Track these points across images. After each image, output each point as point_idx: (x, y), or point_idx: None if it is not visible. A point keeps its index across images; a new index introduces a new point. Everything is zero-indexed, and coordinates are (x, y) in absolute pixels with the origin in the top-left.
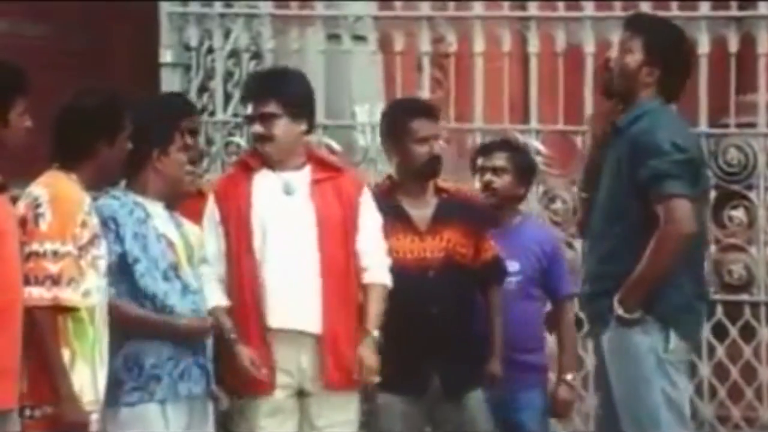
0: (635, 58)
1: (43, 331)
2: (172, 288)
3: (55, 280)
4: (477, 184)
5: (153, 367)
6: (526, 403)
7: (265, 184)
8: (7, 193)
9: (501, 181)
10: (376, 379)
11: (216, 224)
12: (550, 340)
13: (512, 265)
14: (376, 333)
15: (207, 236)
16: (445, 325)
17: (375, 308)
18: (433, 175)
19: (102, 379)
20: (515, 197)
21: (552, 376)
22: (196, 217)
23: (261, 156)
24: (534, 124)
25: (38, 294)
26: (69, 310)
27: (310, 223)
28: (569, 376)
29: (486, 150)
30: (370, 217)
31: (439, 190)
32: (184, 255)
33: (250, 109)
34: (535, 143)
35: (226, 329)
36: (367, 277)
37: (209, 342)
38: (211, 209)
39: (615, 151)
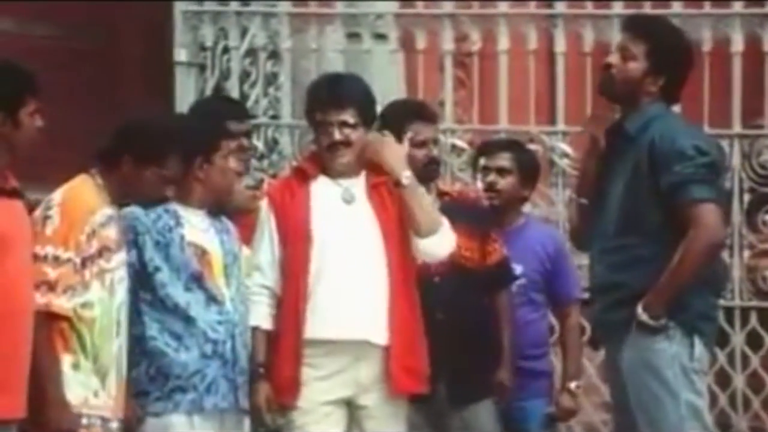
0: (639, 66)
1: (34, 337)
2: (194, 298)
3: (51, 286)
4: (479, 185)
5: (177, 378)
6: (532, 411)
7: (323, 192)
8: (21, 199)
9: (505, 182)
10: None
11: (271, 231)
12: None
13: (515, 269)
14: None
15: (261, 244)
16: (451, 332)
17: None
18: (431, 178)
19: (113, 389)
20: (519, 198)
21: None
22: (249, 231)
23: (319, 163)
24: (560, 125)
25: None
26: (63, 319)
27: (374, 231)
28: (573, 385)
29: (489, 149)
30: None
31: (441, 194)
32: (220, 265)
33: (321, 116)
34: (562, 145)
35: (256, 360)
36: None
37: (242, 355)
38: (266, 215)
39: (629, 159)
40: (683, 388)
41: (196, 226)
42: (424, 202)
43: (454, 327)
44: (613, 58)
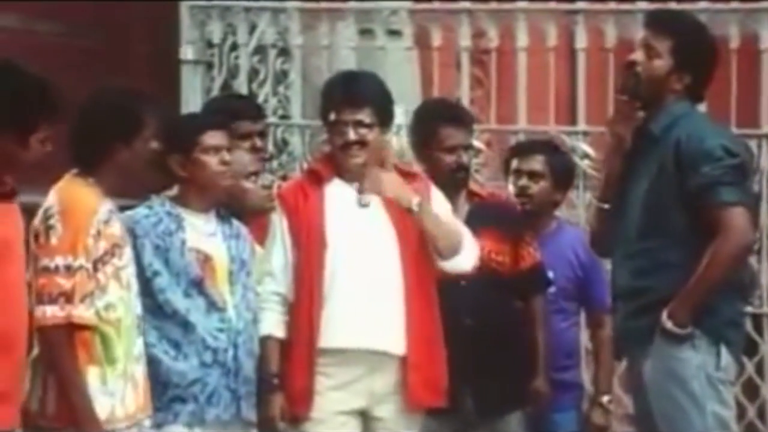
0: (663, 63)
1: (56, 351)
2: (194, 304)
3: (69, 298)
4: (510, 188)
5: (176, 387)
6: (561, 425)
7: (337, 195)
8: (15, 201)
9: (537, 187)
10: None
11: (283, 234)
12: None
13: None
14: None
15: (273, 248)
16: (479, 338)
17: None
18: (459, 186)
19: (131, 395)
20: (552, 203)
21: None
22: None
23: (332, 164)
24: (582, 125)
25: (51, 313)
26: (86, 328)
27: (390, 236)
28: (605, 399)
29: (522, 152)
30: (444, 208)
31: (471, 195)
32: (225, 271)
33: (336, 115)
34: (583, 146)
35: (269, 370)
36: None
37: (246, 364)
38: (279, 218)
39: (653, 160)
40: (709, 399)
41: (199, 230)
42: (440, 224)
43: (483, 333)
44: (638, 56)
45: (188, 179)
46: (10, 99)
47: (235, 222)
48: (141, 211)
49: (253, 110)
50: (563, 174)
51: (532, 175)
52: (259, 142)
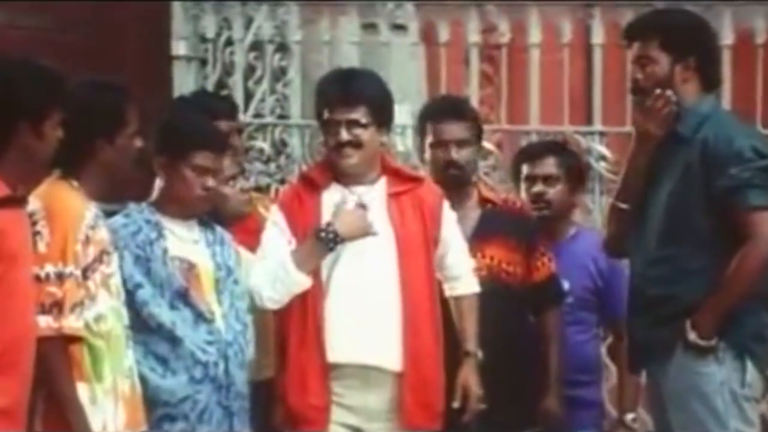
0: (661, 62)
1: (52, 365)
2: (180, 317)
3: (61, 307)
4: (524, 195)
5: (165, 405)
6: None
7: (335, 201)
8: (24, 208)
9: (554, 191)
10: (482, 406)
11: (282, 230)
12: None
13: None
14: (479, 353)
15: (269, 241)
16: (487, 350)
17: (472, 323)
18: (454, 186)
19: (122, 412)
20: (569, 206)
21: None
22: (252, 237)
23: (329, 170)
24: (598, 125)
25: (45, 323)
26: (75, 340)
27: (388, 244)
28: (629, 417)
29: (532, 156)
30: (453, 227)
31: (483, 200)
32: (211, 279)
33: (329, 114)
34: (600, 147)
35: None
36: (459, 289)
37: (238, 377)
38: (276, 216)
39: (679, 161)
40: (733, 416)
41: (181, 238)
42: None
43: (491, 347)
44: (634, 74)
45: (166, 185)
46: (19, 89)
47: (218, 228)
48: (118, 219)
49: (229, 108)
50: (577, 174)
51: (547, 179)
52: (236, 142)
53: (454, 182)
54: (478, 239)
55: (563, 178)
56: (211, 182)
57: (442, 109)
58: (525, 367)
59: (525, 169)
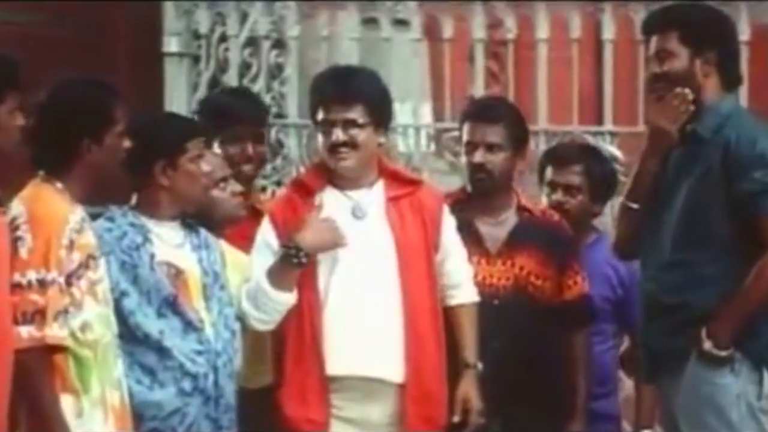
0: (681, 56)
1: (34, 377)
2: (168, 326)
3: (44, 316)
4: (544, 200)
5: (152, 419)
6: None
7: (330, 205)
8: (1, 214)
9: (574, 202)
10: (482, 420)
11: (270, 249)
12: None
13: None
14: (479, 365)
15: (256, 260)
16: (508, 362)
17: (472, 334)
18: (482, 192)
19: (110, 425)
20: (590, 215)
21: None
22: (249, 242)
23: (324, 173)
24: (608, 125)
25: (28, 334)
26: (59, 350)
27: (388, 250)
28: None
29: (557, 161)
30: (453, 233)
31: (521, 209)
32: (198, 285)
33: (324, 114)
34: (610, 148)
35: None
36: (458, 297)
37: (228, 389)
38: (266, 230)
39: (698, 163)
40: (749, 430)
41: (168, 242)
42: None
43: (513, 359)
44: (654, 68)
45: (165, 186)
46: None
47: (202, 231)
48: (102, 224)
49: (256, 110)
50: (602, 185)
51: (568, 189)
52: (250, 150)
53: (483, 188)
54: (509, 247)
55: (586, 188)
56: (205, 166)
57: (475, 111)
58: (548, 383)
59: (548, 173)
